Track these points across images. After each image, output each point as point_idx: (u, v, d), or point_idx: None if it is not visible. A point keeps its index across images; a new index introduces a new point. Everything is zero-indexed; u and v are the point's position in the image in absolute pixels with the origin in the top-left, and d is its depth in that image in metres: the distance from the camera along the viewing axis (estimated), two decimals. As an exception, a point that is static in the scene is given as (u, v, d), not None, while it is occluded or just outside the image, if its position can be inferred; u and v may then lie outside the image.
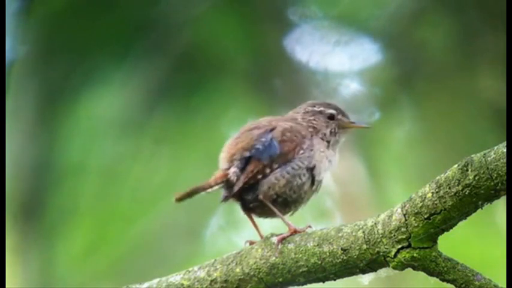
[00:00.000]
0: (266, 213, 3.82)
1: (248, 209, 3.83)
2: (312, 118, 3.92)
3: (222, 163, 3.85)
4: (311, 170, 3.81)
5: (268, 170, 3.78)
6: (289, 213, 3.84)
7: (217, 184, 3.80)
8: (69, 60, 6.68)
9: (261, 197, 3.77)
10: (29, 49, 6.79)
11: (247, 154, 3.81)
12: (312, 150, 3.84)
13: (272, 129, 3.86)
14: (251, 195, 3.80)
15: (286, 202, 3.80)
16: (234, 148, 3.84)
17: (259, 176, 3.77)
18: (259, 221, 3.87)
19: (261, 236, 3.75)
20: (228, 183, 3.80)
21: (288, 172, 3.79)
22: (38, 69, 6.68)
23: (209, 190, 3.80)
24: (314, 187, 3.83)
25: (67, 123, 6.66)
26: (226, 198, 3.82)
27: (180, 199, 3.78)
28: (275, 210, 3.76)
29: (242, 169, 3.81)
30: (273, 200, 3.77)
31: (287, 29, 6.90)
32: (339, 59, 6.93)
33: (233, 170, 3.81)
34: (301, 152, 3.81)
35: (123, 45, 6.70)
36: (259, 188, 3.77)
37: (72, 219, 6.62)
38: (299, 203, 3.82)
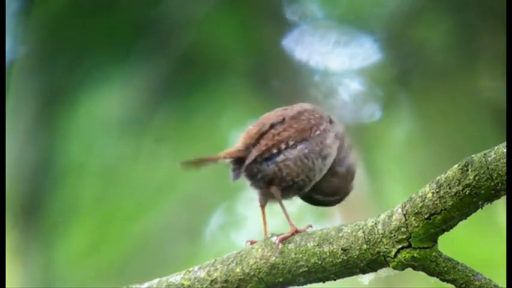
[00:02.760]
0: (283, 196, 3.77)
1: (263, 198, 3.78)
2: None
3: (239, 142, 3.81)
4: (324, 155, 3.78)
5: (283, 146, 3.75)
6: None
7: (226, 158, 3.72)
8: (70, 60, 6.69)
9: (273, 189, 3.73)
10: (29, 49, 6.79)
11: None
12: (325, 132, 3.81)
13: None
14: (262, 183, 3.75)
15: (301, 188, 3.77)
16: (253, 131, 3.80)
17: (274, 150, 3.72)
18: (268, 218, 3.84)
19: (266, 233, 3.73)
20: (238, 161, 3.76)
21: (302, 153, 3.75)
22: (38, 69, 6.68)
23: (218, 161, 3.72)
24: (323, 172, 3.79)
25: (67, 123, 6.66)
26: (237, 175, 3.74)
27: (186, 166, 3.72)
28: (283, 207, 3.75)
29: (254, 145, 3.78)
30: (288, 186, 3.74)
31: (287, 29, 6.91)
32: (338, 59, 6.93)
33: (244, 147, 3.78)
34: (318, 132, 3.79)
35: (124, 45, 6.71)
36: (274, 175, 3.73)
37: (72, 219, 6.62)
38: (310, 184, 3.78)
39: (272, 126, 3.78)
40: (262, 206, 3.82)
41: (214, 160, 3.72)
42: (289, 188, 3.76)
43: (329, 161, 3.79)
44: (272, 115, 3.85)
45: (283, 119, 3.79)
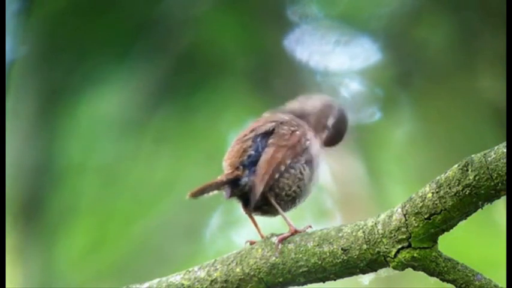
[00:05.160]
0: (269, 212, 3.78)
1: (250, 208, 3.77)
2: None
3: (227, 166, 3.79)
4: (310, 162, 3.77)
5: (283, 167, 3.72)
6: (292, 209, 3.80)
7: (228, 179, 3.70)
8: (70, 60, 6.69)
9: (267, 194, 3.72)
10: (29, 49, 6.79)
11: (247, 158, 3.76)
12: (309, 141, 3.80)
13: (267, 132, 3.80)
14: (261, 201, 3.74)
15: (293, 200, 3.77)
16: (236, 151, 3.78)
17: (277, 175, 3.71)
18: (259, 220, 3.84)
19: (262, 236, 3.73)
20: (234, 181, 3.75)
21: (295, 168, 3.75)
22: (38, 69, 6.68)
23: (221, 188, 3.72)
24: (313, 180, 3.78)
25: (67, 123, 6.66)
26: (230, 193, 3.73)
27: (195, 195, 3.70)
28: (279, 209, 3.74)
29: (252, 170, 3.75)
30: (281, 199, 3.73)
31: (287, 29, 6.91)
32: (339, 59, 6.94)
33: (240, 167, 3.74)
34: (308, 142, 3.78)
35: (124, 45, 6.71)
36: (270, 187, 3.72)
37: (72, 219, 6.62)
38: (302, 198, 3.78)
39: (254, 140, 3.76)
40: (249, 214, 3.80)
41: (217, 185, 3.69)
42: (284, 202, 3.75)
43: (317, 170, 3.78)
44: (247, 131, 3.82)
45: (267, 133, 3.79)
